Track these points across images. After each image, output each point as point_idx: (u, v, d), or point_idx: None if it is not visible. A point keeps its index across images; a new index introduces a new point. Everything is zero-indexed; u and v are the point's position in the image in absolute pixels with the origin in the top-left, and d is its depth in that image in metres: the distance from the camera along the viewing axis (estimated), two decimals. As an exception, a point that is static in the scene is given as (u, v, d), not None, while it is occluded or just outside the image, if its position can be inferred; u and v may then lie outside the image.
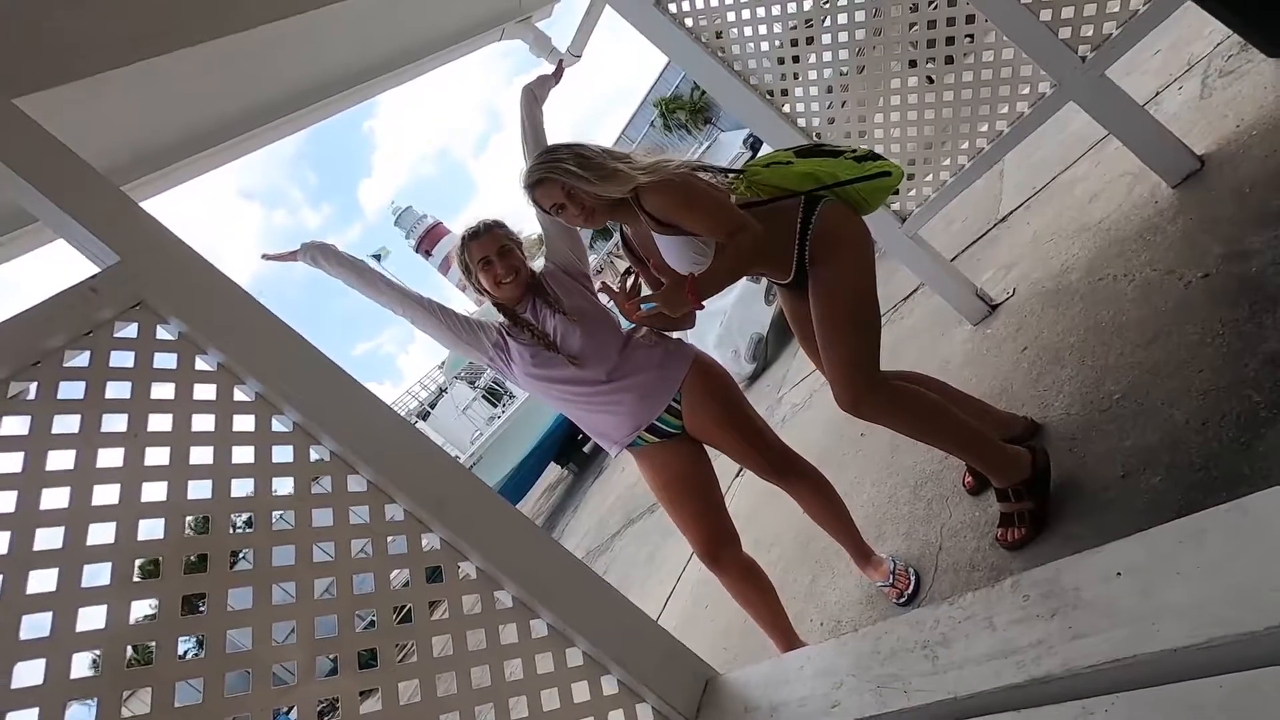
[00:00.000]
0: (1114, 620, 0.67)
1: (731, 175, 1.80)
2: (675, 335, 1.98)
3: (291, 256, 1.92)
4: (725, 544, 1.91)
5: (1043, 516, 1.76)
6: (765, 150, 2.78)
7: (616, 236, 1.97)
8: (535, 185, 1.69)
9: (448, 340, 1.90)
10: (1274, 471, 1.38)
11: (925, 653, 0.84)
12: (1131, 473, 1.67)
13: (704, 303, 1.54)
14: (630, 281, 1.67)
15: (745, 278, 1.69)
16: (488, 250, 1.87)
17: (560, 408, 1.94)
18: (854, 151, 1.79)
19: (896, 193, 2.74)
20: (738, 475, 3.93)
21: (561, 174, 1.64)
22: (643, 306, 1.59)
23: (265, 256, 1.99)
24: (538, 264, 1.99)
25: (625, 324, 1.93)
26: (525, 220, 2.01)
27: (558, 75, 2.26)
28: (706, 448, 1.94)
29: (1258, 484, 0.63)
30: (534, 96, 2.10)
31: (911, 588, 2.01)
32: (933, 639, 0.84)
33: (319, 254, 1.89)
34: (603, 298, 1.87)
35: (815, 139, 2.73)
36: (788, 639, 1.93)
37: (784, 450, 1.94)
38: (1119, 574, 0.69)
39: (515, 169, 1.76)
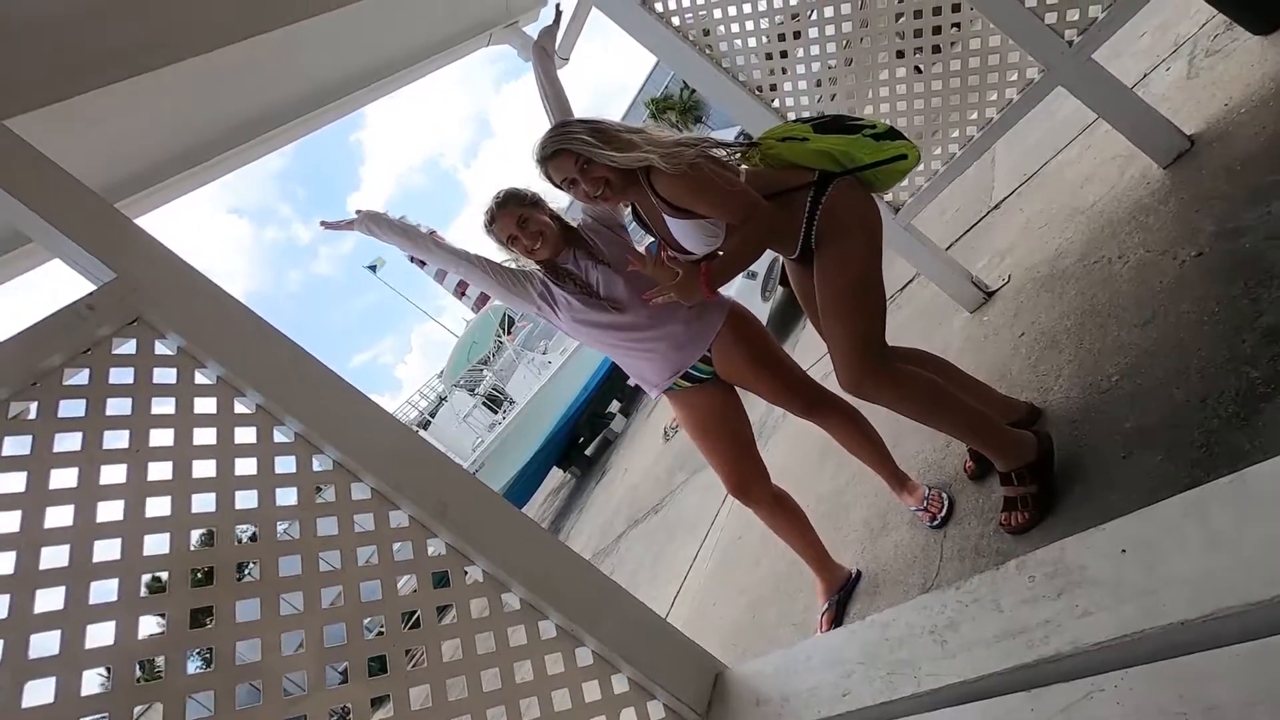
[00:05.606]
0: (1120, 596, 0.67)
1: (744, 148, 1.79)
2: None
3: (349, 225, 2.03)
4: (755, 478, 2.08)
5: (1047, 500, 1.75)
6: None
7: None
8: (548, 159, 1.69)
9: (498, 292, 2.01)
10: (1275, 445, 1.38)
11: (934, 637, 0.84)
12: (1133, 453, 1.67)
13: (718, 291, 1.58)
14: (664, 258, 1.71)
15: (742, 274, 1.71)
16: (508, 229, 1.93)
17: (606, 352, 2.07)
18: (873, 127, 1.74)
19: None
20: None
21: (576, 144, 1.65)
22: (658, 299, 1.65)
23: (324, 224, 2.08)
24: (574, 218, 2.04)
25: None
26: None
27: (557, 21, 2.33)
28: (740, 393, 2.05)
29: (1259, 458, 0.63)
30: (544, 51, 2.19)
31: (945, 511, 2.07)
32: (940, 623, 0.84)
33: (373, 223, 2.01)
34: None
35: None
36: (823, 562, 2.15)
37: (814, 386, 2.05)
38: (1124, 550, 0.69)
39: (529, 145, 1.75)
